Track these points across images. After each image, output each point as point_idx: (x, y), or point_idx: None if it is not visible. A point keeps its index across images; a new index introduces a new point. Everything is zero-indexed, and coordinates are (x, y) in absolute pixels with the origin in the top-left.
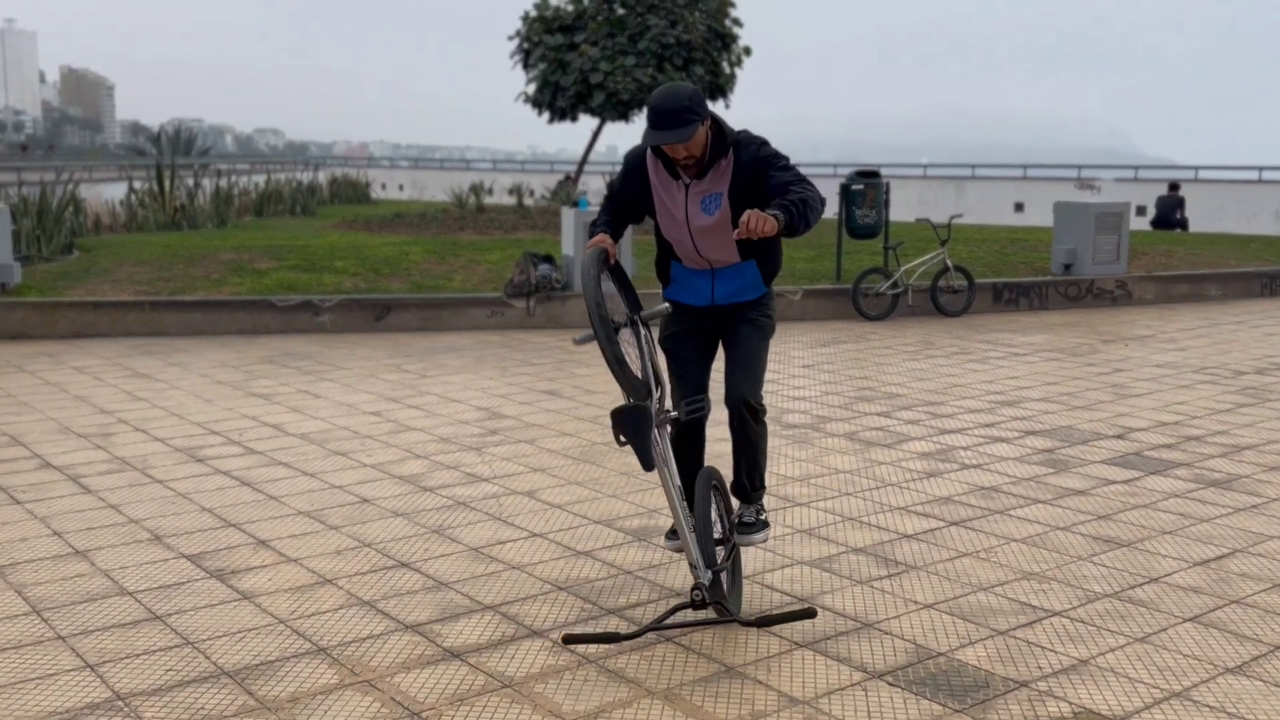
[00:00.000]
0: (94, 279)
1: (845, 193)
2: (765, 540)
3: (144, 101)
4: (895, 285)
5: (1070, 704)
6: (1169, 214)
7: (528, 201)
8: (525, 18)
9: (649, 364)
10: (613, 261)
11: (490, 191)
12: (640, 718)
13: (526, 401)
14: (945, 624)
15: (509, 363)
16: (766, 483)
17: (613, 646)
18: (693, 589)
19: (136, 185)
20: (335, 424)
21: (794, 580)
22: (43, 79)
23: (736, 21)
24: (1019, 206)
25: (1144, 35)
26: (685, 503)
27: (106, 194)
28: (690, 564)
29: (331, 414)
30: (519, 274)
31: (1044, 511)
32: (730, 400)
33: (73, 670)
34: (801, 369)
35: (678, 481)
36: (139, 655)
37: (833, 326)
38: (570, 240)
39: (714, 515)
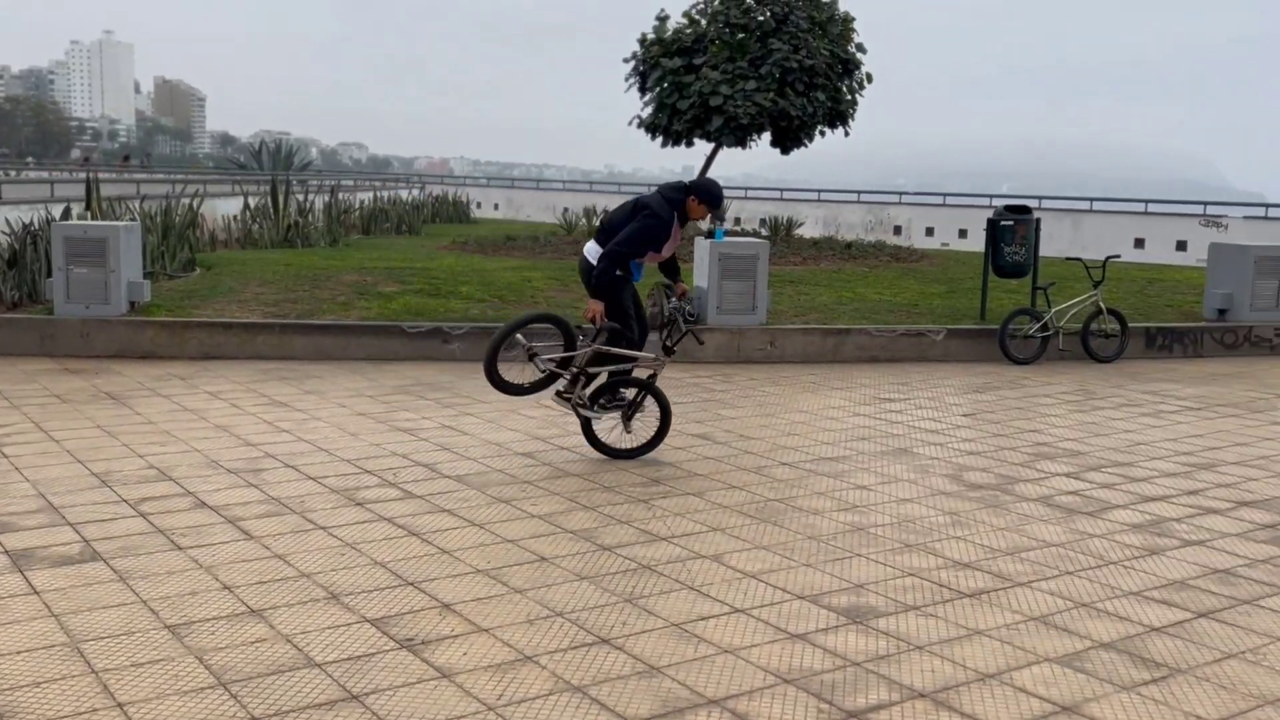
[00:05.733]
0: (220, 298)
1: (993, 228)
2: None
3: (232, 113)
4: (1045, 328)
5: None
6: None
7: None
8: (643, 41)
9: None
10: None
11: (599, 215)
12: None
13: (681, 447)
14: None
15: None
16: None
17: None
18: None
19: (252, 201)
20: (490, 466)
21: (1048, 682)
22: (137, 89)
23: (860, 47)
24: (1139, 242)
25: (1228, 65)
26: None
27: (220, 209)
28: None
29: (483, 454)
30: (653, 306)
31: None
32: None
33: None
34: (963, 418)
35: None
36: None
37: (980, 370)
38: (704, 272)
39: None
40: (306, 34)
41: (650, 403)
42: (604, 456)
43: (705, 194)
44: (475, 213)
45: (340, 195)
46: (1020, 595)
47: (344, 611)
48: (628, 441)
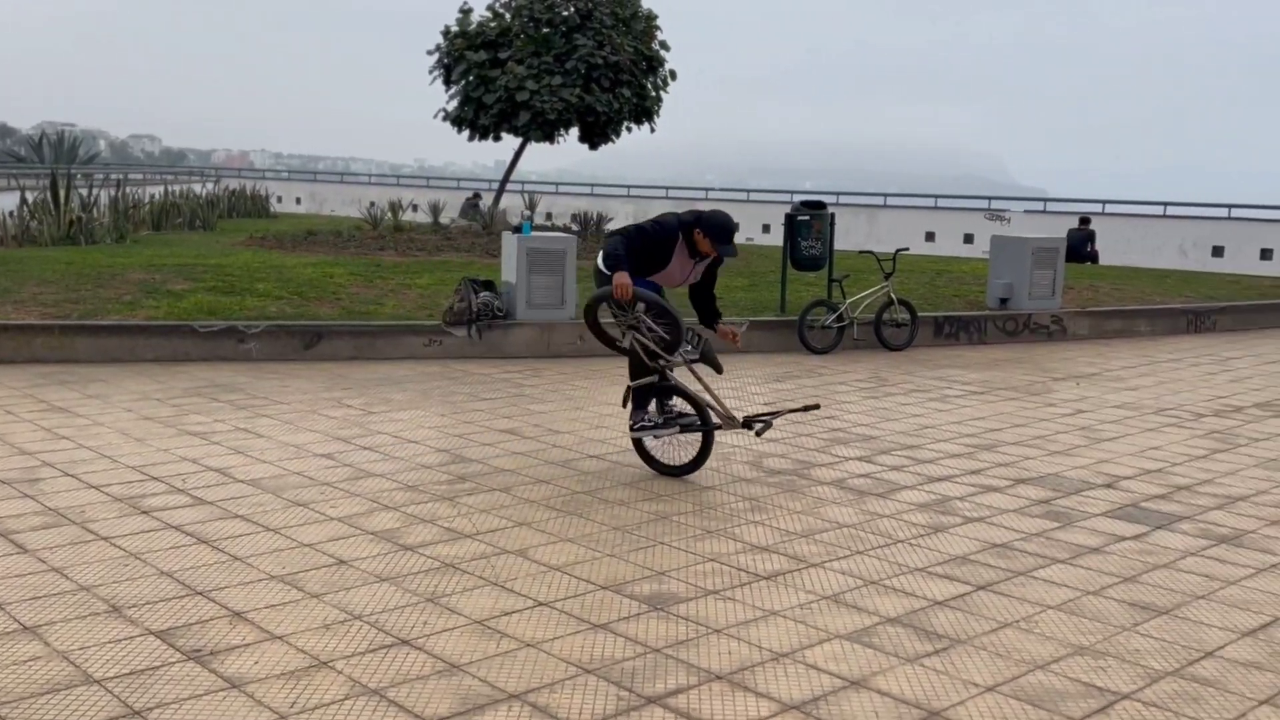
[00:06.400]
0: None
1: (790, 223)
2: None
3: (11, 104)
4: (840, 319)
5: None
6: (1080, 247)
7: (441, 219)
8: (446, 33)
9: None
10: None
11: (406, 209)
12: None
13: (488, 443)
14: (1015, 711)
15: (457, 397)
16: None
17: None
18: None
19: (30, 196)
20: (286, 469)
21: (838, 658)
22: None
23: (664, 45)
24: (930, 236)
25: (1017, 67)
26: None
27: None
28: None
29: (279, 457)
30: (459, 301)
31: (1067, 573)
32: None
33: None
34: (763, 406)
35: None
36: None
37: (780, 360)
38: (513, 267)
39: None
40: (98, 22)
41: (696, 435)
42: (408, 460)
43: (708, 226)
44: (276, 207)
45: (128, 189)
46: (814, 575)
47: (126, 624)
48: (673, 458)
